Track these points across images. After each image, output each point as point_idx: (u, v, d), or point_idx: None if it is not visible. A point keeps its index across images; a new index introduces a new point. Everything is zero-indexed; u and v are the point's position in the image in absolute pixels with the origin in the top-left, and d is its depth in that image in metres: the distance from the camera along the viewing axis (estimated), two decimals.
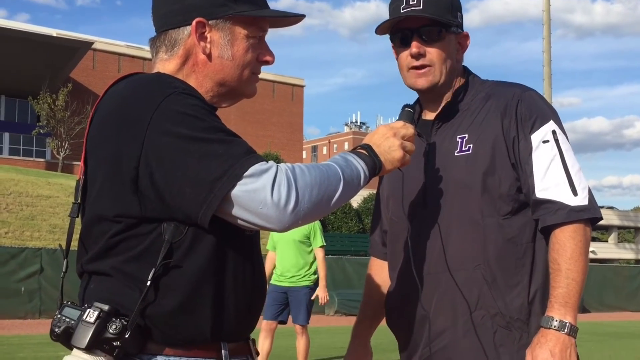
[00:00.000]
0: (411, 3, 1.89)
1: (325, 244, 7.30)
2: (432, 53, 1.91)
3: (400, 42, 1.95)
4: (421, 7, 1.88)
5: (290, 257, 7.05)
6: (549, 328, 1.72)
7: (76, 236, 1.50)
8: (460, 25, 1.96)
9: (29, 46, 32.10)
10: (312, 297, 7.12)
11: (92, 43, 35.24)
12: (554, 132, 1.83)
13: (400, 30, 1.94)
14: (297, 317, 7.06)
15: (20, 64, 33.73)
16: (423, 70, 1.92)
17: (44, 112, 33.37)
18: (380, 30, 1.97)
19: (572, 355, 1.71)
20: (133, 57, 40.99)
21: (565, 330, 1.71)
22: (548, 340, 1.71)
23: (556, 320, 1.72)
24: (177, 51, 1.54)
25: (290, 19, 1.63)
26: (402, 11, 1.90)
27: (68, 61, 34.43)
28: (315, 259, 7.20)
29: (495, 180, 1.84)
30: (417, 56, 1.91)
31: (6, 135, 40.05)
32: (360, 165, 1.53)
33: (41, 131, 34.38)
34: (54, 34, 35.81)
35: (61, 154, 34.10)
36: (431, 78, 1.92)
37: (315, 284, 7.22)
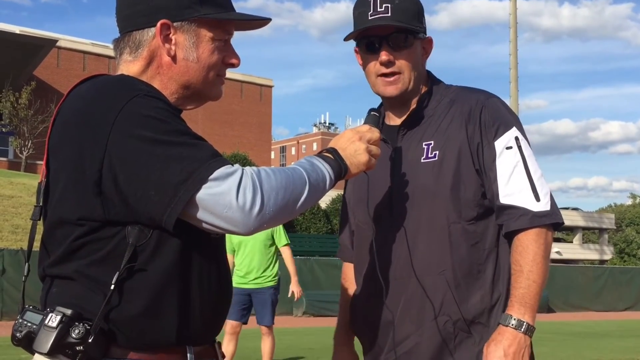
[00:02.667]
0: (379, 10, 1.88)
1: (289, 242, 7.28)
2: (401, 60, 1.91)
3: (367, 48, 1.94)
4: (390, 15, 1.88)
5: (255, 258, 6.99)
6: (507, 326, 1.76)
7: (38, 238, 1.48)
8: (425, 31, 1.98)
9: None
10: (289, 295, 7.14)
11: (56, 41, 34.67)
12: (516, 139, 1.86)
13: (367, 37, 1.93)
14: (262, 318, 7.01)
15: None
16: (392, 78, 1.93)
17: (6, 110, 32.73)
18: (350, 37, 1.96)
19: (526, 356, 1.75)
20: (98, 55, 40.44)
21: (522, 329, 1.75)
22: (504, 338, 1.75)
23: (514, 319, 1.75)
24: (141, 53, 1.53)
25: (255, 22, 1.63)
26: (370, 18, 1.89)
27: (32, 59, 33.82)
28: (277, 259, 7.17)
29: (460, 186, 1.86)
30: (387, 64, 1.91)
31: None
32: (325, 169, 1.54)
33: (3, 130, 33.72)
34: (17, 31, 35.14)
35: (24, 153, 33.50)
36: (400, 86, 1.93)
37: (279, 284, 7.20)
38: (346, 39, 1.97)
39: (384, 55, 1.90)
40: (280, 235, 7.14)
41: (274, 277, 7.10)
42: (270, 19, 1.64)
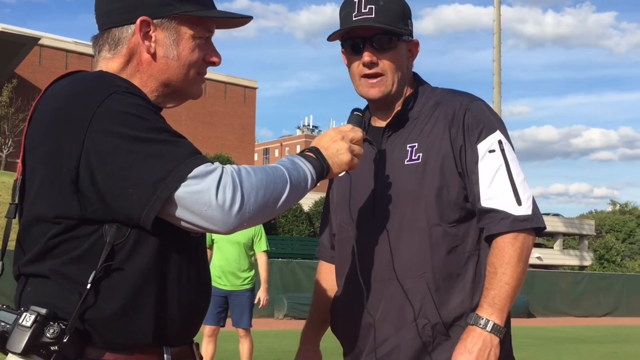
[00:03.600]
0: (363, 11, 1.88)
1: (269, 249, 7.17)
2: (385, 62, 1.91)
3: (352, 49, 1.94)
4: (373, 16, 1.87)
5: (233, 260, 6.87)
6: (474, 325, 1.76)
7: (14, 237, 1.45)
8: (411, 33, 1.97)
9: None
10: (255, 301, 6.99)
11: (38, 39, 34.34)
12: (500, 142, 1.85)
13: (351, 37, 1.93)
14: (239, 320, 6.91)
15: None
16: (375, 80, 1.92)
17: None
18: (333, 37, 1.96)
19: (492, 355, 1.75)
20: (81, 54, 40.11)
21: (489, 329, 1.75)
22: (469, 336, 1.75)
23: (481, 319, 1.75)
24: (120, 50, 1.51)
25: (237, 20, 1.62)
26: (354, 19, 1.89)
27: (13, 57, 33.47)
28: (254, 262, 7.08)
29: (443, 189, 1.86)
30: (370, 65, 1.91)
31: None
32: (307, 168, 1.52)
33: None
34: None
35: (4, 151, 33.14)
36: (383, 88, 1.93)
37: (253, 288, 7.10)
38: (329, 38, 1.96)
39: (366, 57, 1.90)
40: (262, 240, 7.04)
41: (252, 279, 7.01)
42: (251, 17, 1.62)
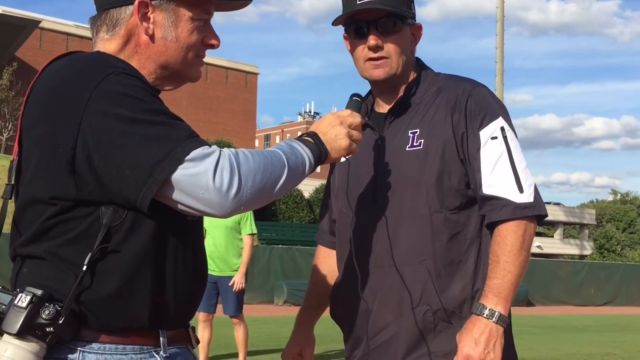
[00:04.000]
0: None
1: (256, 232, 6.95)
2: (389, 45, 1.90)
3: (356, 33, 1.93)
4: (377, 0, 1.86)
5: (220, 244, 6.72)
6: (479, 315, 1.75)
7: (9, 219, 1.45)
8: (414, 17, 1.96)
9: None
10: (230, 283, 6.68)
11: (39, 21, 34.21)
12: (502, 129, 1.84)
13: (355, 22, 1.92)
14: (227, 307, 6.76)
15: None
16: (380, 62, 1.91)
17: None
18: (338, 22, 1.95)
19: (497, 345, 1.74)
20: (82, 37, 39.95)
21: (494, 319, 1.74)
22: (475, 327, 1.74)
23: (487, 309, 1.75)
24: (118, 31, 1.50)
25: (235, 2, 1.61)
26: (358, 3, 1.88)
27: (14, 40, 33.36)
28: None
29: (445, 175, 1.85)
30: (375, 48, 1.90)
31: None
32: (305, 153, 1.52)
33: None
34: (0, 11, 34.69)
35: (4, 134, 33.12)
36: (388, 69, 1.92)
37: (246, 273, 6.94)
38: (334, 23, 1.95)
39: (372, 40, 1.89)
40: (247, 223, 6.79)
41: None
42: (250, 0, 1.61)
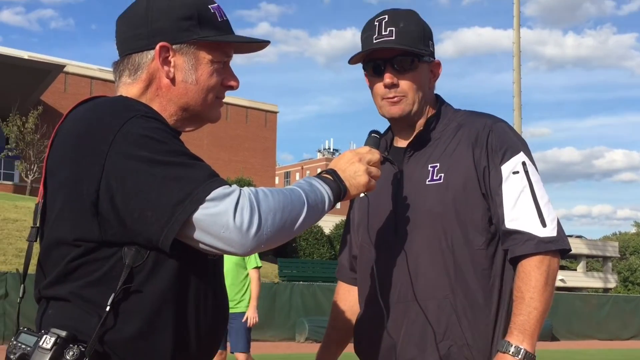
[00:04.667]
0: (384, 34, 1.91)
1: (261, 265, 6.89)
2: (405, 83, 1.92)
3: (373, 71, 1.96)
4: (393, 38, 1.89)
5: (226, 280, 6.71)
6: (505, 352, 1.73)
7: (35, 260, 1.47)
8: (432, 54, 1.98)
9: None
10: (243, 319, 6.65)
11: (64, 66, 34.95)
12: (524, 164, 1.85)
13: (373, 60, 1.95)
14: (236, 345, 6.65)
15: None
16: (396, 99, 1.93)
17: (13, 134, 32.91)
18: (354, 60, 1.98)
19: None
20: (105, 80, 40.68)
21: (520, 356, 1.72)
22: None
23: (513, 346, 1.73)
24: (140, 75, 1.54)
25: (254, 44, 1.64)
26: (374, 41, 1.91)
27: (39, 84, 34.06)
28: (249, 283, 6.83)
29: (466, 209, 1.85)
30: (391, 86, 1.92)
31: None
32: (324, 190, 1.53)
33: (9, 154, 33.86)
34: (26, 57, 35.48)
35: (30, 176, 33.60)
36: (404, 107, 1.94)
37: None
38: (350, 61, 1.98)
39: (387, 78, 1.92)
40: (252, 257, 6.70)
41: (247, 301, 6.75)
42: (269, 42, 1.64)
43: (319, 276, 23.54)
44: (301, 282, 19.82)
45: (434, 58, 2.00)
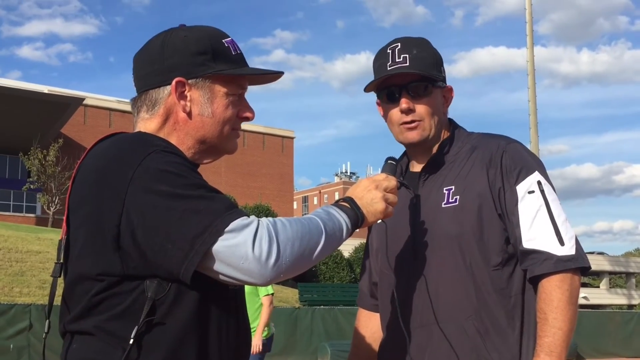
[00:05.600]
0: (397, 60, 1.93)
1: (272, 292, 6.86)
2: (421, 108, 1.94)
3: (388, 98, 1.98)
4: (408, 64, 1.92)
5: None
6: None
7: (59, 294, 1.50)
8: (444, 80, 2.01)
9: (20, 103, 32.25)
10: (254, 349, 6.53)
11: (83, 99, 35.43)
12: (539, 183, 1.85)
13: (387, 87, 1.97)
14: None
15: (11, 121, 33.82)
16: (413, 124, 1.95)
17: (34, 167, 33.33)
18: (369, 88, 2.00)
19: None
20: (124, 112, 41.18)
21: None
22: None
23: None
24: (157, 110, 1.57)
25: (268, 76, 1.67)
26: (389, 69, 1.94)
27: (59, 117, 34.56)
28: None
29: (483, 231, 1.85)
30: (407, 112, 1.94)
31: None
32: (342, 218, 1.54)
33: (31, 187, 34.27)
34: (46, 91, 36.05)
35: (51, 209, 33.92)
36: (421, 131, 1.95)
37: (268, 339, 6.82)
38: (366, 89, 2.00)
39: (404, 103, 1.94)
40: None
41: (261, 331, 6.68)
42: (282, 73, 1.67)
43: (339, 300, 23.42)
44: (322, 307, 19.72)
45: (446, 84, 2.03)
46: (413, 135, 1.96)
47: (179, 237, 1.34)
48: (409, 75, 1.93)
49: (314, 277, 25.90)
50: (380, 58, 1.98)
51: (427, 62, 1.94)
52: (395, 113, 1.97)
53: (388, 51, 1.96)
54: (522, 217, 1.82)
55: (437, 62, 1.98)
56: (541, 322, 1.76)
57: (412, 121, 1.95)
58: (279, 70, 1.66)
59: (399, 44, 1.96)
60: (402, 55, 1.93)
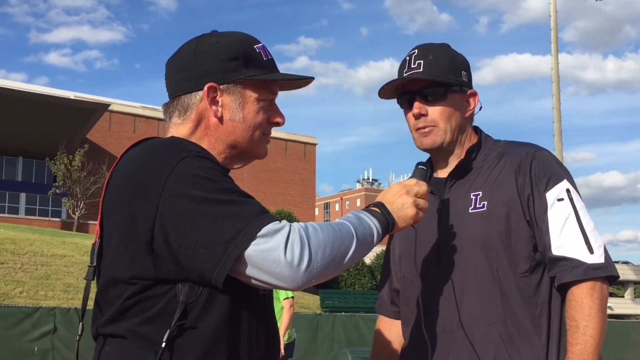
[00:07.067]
0: (412, 67, 1.95)
1: (292, 295, 6.90)
2: (435, 113, 1.94)
3: (407, 104, 1.99)
4: (421, 70, 1.93)
5: None
6: None
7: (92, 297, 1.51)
8: (465, 84, 1.99)
9: (47, 109, 32.73)
10: None
11: (108, 105, 35.87)
12: (568, 191, 1.84)
13: (405, 93, 1.99)
14: None
15: (38, 126, 34.34)
16: (427, 130, 1.96)
17: (60, 172, 33.76)
18: (383, 94, 2.01)
19: None
20: (148, 117, 41.63)
21: None
22: None
23: None
24: (189, 115, 1.58)
25: (299, 81, 1.67)
26: (404, 75, 1.95)
27: (85, 123, 35.01)
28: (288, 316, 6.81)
29: (510, 238, 1.84)
30: (419, 116, 1.95)
31: (23, 196, 40.49)
32: (373, 223, 1.54)
33: (57, 191, 34.71)
34: (72, 97, 36.55)
35: (77, 213, 34.32)
36: (435, 137, 1.95)
37: (290, 344, 6.81)
38: (380, 94, 2.02)
39: (415, 108, 1.95)
40: None
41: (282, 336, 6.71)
42: (313, 78, 1.68)
43: (360, 307, 23.35)
44: (343, 313, 19.68)
45: (469, 88, 2.01)
46: (426, 142, 1.96)
47: (211, 241, 1.34)
48: (423, 81, 1.93)
49: (335, 283, 25.87)
50: (401, 65, 2.00)
51: (442, 66, 1.94)
52: (410, 118, 1.98)
53: (406, 58, 1.98)
54: (551, 225, 1.81)
55: (455, 66, 1.97)
56: (572, 329, 1.74)
57: (425, 127, 1.95)
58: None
59: (417, 50, 1.98)
60: (417, 62, 1.94)
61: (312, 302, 23.15)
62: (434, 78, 1.92)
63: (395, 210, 1.62)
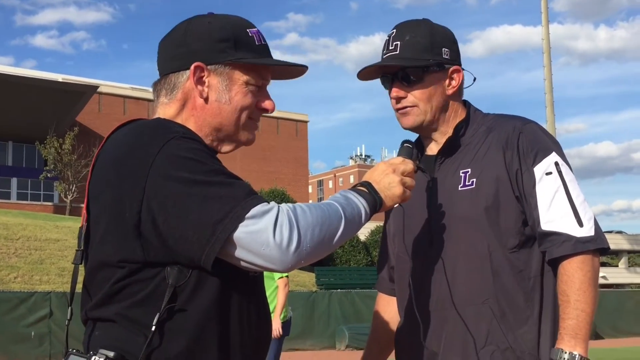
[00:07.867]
0: (390, 48, 1.94)
1: (287, 274, 6.86)
2: (415, 93, 1.94)
3: (386, 86, 2.00)
4: (397, 52, 1.92)
5: None
6: None
7: (81, 281, 1.51)
8: (446, 62, 1.95)
9: (35, 92, 32.49)
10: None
11: (97, 87, 35.61)
12: (556, 164, 1.83)
13: (384, 75, 1.99)
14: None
15: (27, 110, 34.11)
16: (405, 110, 1.96)
17: (51, 156, 33.64)
18: (362, 76, 2.00)
19: None
20: (138, 99, 41.40)
21: None
22: None
23: (566, 353, 1.70)
24: (176, 95, 1.57)
25: (293, 71, 1.66)
26: (383, 57, 1.95)
27: (74, 105, 34.78)
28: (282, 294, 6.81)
29: (500, 213, 1.84)
30: (398, 99, 1.95)
31: (14, 181, 40.35)
32: (360, 203, 1.54)
33: (48, 175, 34.61)
34: (60, 79, 36.26)
35: (69, 197, 34.24)
36: (415, 117, 1.95)
37: (286, 322, 6.84)
38: (359, 77, 2.00)
39: (393, 92, 1.96)
40: None
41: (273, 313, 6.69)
42: (306, 67, 1.66)
43: (356, 283, 23.52)
44: (339, 290, 19.82)
45: (452, 64, 1.97)
46: (406, 122, 1.97)
47: (199, 223, 1.34)
48: (393, 65, 1.93)
49: (330, 260, 26.00)
50: (383, 46, 1.99)
51: (418, 47, 1.92)
52: (391, 100, 1.98)
53: (386, 39, 1.97)
54: (540, 199, 1.81)
55: (434, 44, 1.93)
56: (564, 304, 1.75)
57: (405, 107, 1.95)
58: (299, 63, 1.65)
59: (395, 30, 1.96)
60: (394, 43, 1.93)
61: (307, 280, 23.27)
62: (406, 64, 1.91)
63: (382, 189, 1.62)
